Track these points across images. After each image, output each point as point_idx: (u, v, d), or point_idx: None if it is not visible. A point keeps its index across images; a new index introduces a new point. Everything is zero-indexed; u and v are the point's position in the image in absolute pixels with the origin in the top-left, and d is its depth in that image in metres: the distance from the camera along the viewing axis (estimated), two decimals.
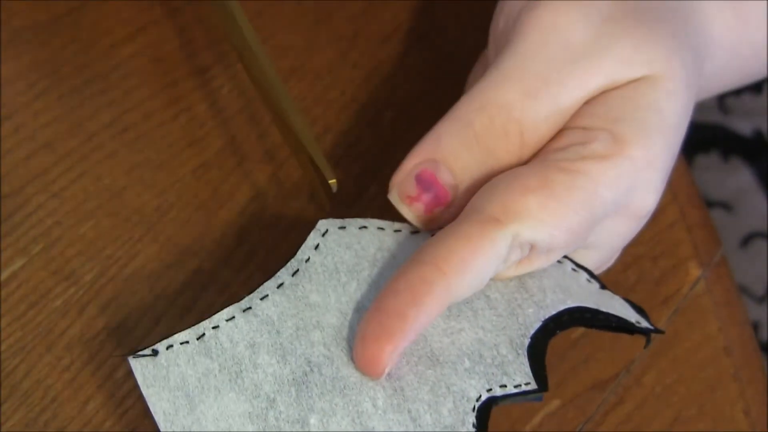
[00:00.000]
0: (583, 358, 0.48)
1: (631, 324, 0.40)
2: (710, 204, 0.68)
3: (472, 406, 0.38)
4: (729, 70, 0.48)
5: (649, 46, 0.40)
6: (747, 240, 0.67)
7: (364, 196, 0.48)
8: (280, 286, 0.39)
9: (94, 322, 0.44)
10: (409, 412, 0.37)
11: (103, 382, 0.43)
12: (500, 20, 0.43)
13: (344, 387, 0.38)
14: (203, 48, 0.50)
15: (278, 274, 0.40)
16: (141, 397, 0.43)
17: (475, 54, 0.49)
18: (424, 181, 0.40)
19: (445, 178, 0.40)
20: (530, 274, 0.40)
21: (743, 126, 0.69)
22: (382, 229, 0.41)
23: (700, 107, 0.55)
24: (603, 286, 0.41)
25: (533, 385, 0.38)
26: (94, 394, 0.43)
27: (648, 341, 0.40)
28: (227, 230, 0.47)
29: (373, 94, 0.51)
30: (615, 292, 0.41)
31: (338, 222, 0.41)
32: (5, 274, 0.45)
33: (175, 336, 0.39)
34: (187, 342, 0.39)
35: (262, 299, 0.39)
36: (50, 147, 0.47)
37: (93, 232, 0.46)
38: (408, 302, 0.36)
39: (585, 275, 0.41)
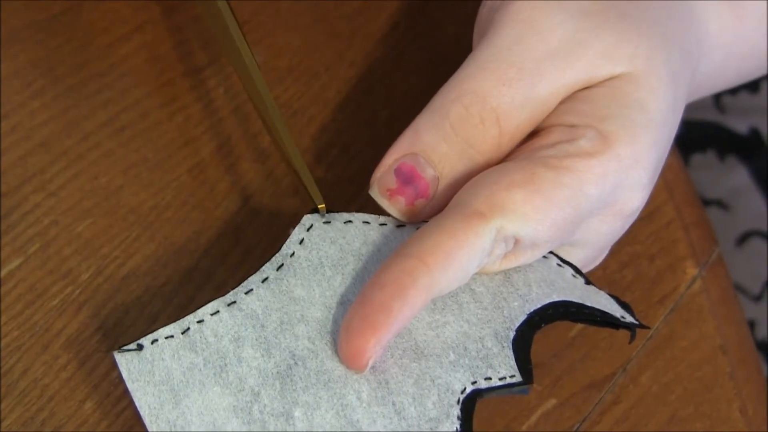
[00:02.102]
0: (579, 357, 0.48)
1: (616, 318, 0.40)
2: (706, 203, 0.68)
3: (457, 399, 0.38)
4: (726, 68, 0.48)
5: (630, 42, 0.40)
6: (743, 239, 0.67)
7: (361, 196, 0.48)
8: (264, 280, 0.40)
9: (91, 320, 0.44)
10: (394, 404, 0.38)
11: (99, 382, 0.43)
12: (483, 12, 0.44)
13: (329, 380, 0.38)
14: (199, 47, 0.50)
15: (263, 268, 0.40)
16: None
17: None
18: (403, 174, 0.40)
19: (426, 170, 0.40)
20: (516, 269, 0.40)
21: (740, 124, 0.69)
22: (367, 223, 0.41)
23: (697, 106, 0.56)
24: (588, 282, 0.41)
25: (518, 378, 0.38)
26: (91, 394, 0.43)
27: (633, 336, 0.40)
28: (223, 229, 0.47)
29: (369, 93, 0.51)
30: (609, 290, 0.41)
31: (323, 217, 0.41)
32: (2, 273, 0.45)
33: (160, 330, 0.39)
34: (172, 336, 0.39)
35: (246, 293, 0.39)
36: (47, 146, 0.47)
37: (90, 231, 0.46)
38: (392, 295, 0.37)
39: (570, 271, 0.41)
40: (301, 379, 0.38)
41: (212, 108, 0.49)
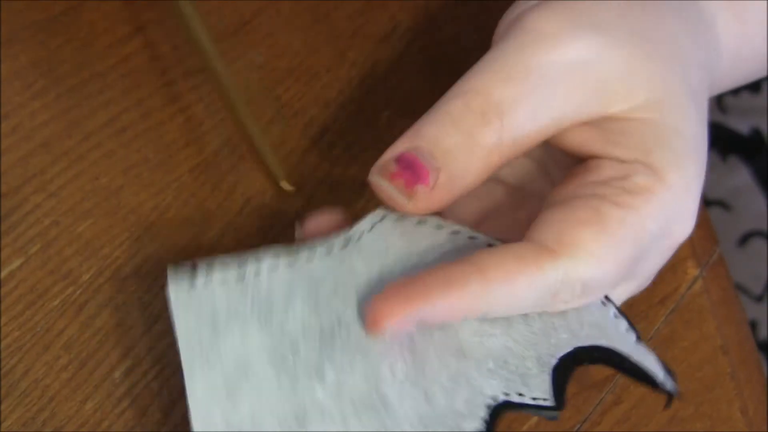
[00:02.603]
0: None
1: (655, 381, 0.40)
2: (708, 203, 0.68)
3: (487, 403, 0.38)
4: (730, 71, 0.48)
5: (644, 63, 0.40)
6: (745, 239, 0.67)
7: (363, 196, 0.48)
8: (329, 251, 0.40)
9: (92, 321, 0.44)
10: (425, 390, 0.38)
11: (100, 382, 0.43)
12: (500, 27, 0.44)
13: (368, 350, 0.38)
14: None
15: (330, 241, 0.40)
16: (138, 397, 0.43)
17: (472, 54, 0.49)
18: (404, 161, 0.40)
19: (427, 161, 0.40)
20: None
21: (741, 125, 0.69)
22: (440, 227, 0.41)
23: None
24: (638, 339, 0.41)
25: (551, 402, 0.39)
26: (92, 394, 0.43)
27: (668, 403, 0.40)
28: (225, 230, 0.47)
29: (370, 93, 0.51)
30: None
31: (396, 212, 0.41)
32: (3, 274, 0.45)
33: (217, 266, 0.39)
34: (228, 276, 0.39)
35: (308, 256, 0.40)
36: (48, 146, 0.47)
37: (90, 231, 0.46)
38: (438, 283, 0.37)
39: (625, 324, 0.41)
40: (341, 341, 0.38)
41: (213, 108, 0.49)
